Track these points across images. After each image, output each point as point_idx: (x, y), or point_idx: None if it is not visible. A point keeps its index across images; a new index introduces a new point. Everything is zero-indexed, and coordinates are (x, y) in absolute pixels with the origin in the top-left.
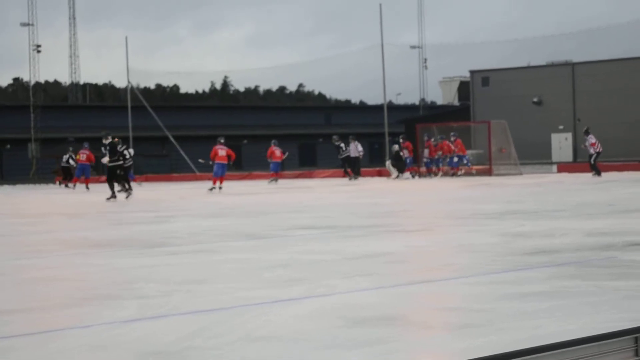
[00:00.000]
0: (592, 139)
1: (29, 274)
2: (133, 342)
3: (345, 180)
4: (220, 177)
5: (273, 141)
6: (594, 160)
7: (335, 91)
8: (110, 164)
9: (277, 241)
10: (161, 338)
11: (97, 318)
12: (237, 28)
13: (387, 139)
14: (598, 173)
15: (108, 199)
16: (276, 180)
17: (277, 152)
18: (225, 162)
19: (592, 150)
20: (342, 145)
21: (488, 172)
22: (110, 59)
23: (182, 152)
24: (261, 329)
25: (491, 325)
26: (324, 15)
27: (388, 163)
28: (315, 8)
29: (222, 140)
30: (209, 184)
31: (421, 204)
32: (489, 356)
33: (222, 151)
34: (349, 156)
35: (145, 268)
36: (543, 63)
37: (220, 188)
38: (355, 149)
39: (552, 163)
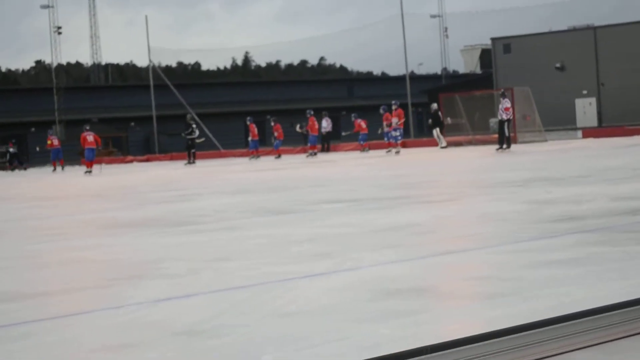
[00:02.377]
0: (507, 102)
1: (58, 256)
2: (163, 321)
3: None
4: (91, 161)
5: (272, 117)
6: (508, 129)
7: (356, 63)
8: None
9: (303, 216)
10: (191, 316)
11: (126, 298)
12: (267, 3)
13: (410, 109)
14: (508, 144)
15: None
16: (279, 156)
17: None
18: (94, 147)
19: (504, 116)
20: (194, 125)
21: (513, 140)
22: (135, 38)
23: (205, 130)
24: (290, 304)
25: (520, 293)
26: None
27: (436, 131)
28: None
29: (88, 127)
30: (235, 160)
31: (445, 174)
32: (520, 325)
33: (90, 137)
34: (328, 132)
35: (172, 247)
36: (564, 28)
37: (90, 172)
38: (328, 125)
39: (576, 129)
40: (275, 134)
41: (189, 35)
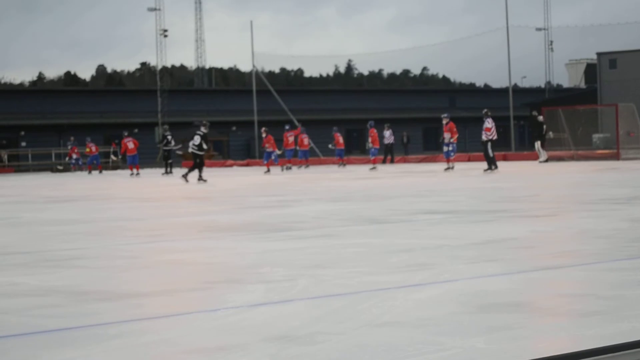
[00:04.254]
0: (487, 123)
1: (158, 257)
2: (259, 326)
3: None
4: (134, 164)
5: (264, 129)
6: (492, 150)
7: (459, 74)
8: None
9: (401, 226)
10: (287, 322)
11: (223, 302)
12: (381, 11)
13: (512, 122)
14: (494, 165)
15: None
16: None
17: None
18: (135, 152)
19: (484, 137)
20: (169, 136)
21: (616, 156)
22: (243, 43)
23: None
24: (386, 315)
25: (620, 312)
26: None
27: (537, 144)
28: None
29: (127, 134)
30: (334, 168)
31: (547, 189)
32: (614, 345)
33: (130, 144)
34: (391, 144)
35: (271, 252)
36: None
37: (137, 174)
38: (390, 136)
39: None
40: (267, 145)
41: (300, 41)
